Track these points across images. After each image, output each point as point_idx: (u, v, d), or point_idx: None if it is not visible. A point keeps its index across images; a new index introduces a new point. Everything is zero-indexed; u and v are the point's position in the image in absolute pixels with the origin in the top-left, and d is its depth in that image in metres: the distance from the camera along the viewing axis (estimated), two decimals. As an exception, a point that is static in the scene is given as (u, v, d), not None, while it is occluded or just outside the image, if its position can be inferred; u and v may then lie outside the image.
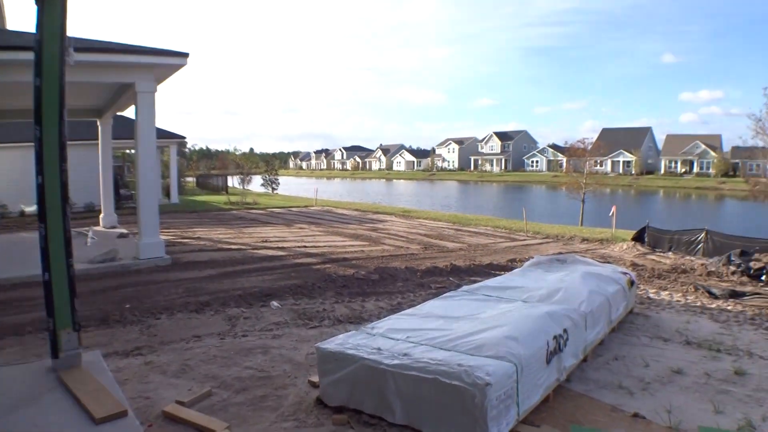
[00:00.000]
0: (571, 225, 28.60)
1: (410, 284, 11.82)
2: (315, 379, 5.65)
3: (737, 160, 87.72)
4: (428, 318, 5.94)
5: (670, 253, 19.09)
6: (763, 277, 13.50)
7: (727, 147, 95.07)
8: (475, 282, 10.23)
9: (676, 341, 7.89)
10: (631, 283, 8.88)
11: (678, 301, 10.89)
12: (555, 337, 5.46)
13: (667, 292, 11.68)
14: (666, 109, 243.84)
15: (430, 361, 4.52)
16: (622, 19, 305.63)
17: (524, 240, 20.61)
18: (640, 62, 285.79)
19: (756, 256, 15.98)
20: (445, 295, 7.21)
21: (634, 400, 5.68)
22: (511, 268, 13.20)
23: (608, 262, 15.85)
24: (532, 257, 11.80)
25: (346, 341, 5.29)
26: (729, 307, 10.42)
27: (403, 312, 6.42)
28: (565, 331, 5.72)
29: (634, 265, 15.06)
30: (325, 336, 7.26)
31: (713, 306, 10.49)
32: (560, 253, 17.43)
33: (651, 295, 11.31)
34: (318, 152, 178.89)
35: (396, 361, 4.64)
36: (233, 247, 16.83)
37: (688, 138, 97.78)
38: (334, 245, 17.61)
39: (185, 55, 13.39)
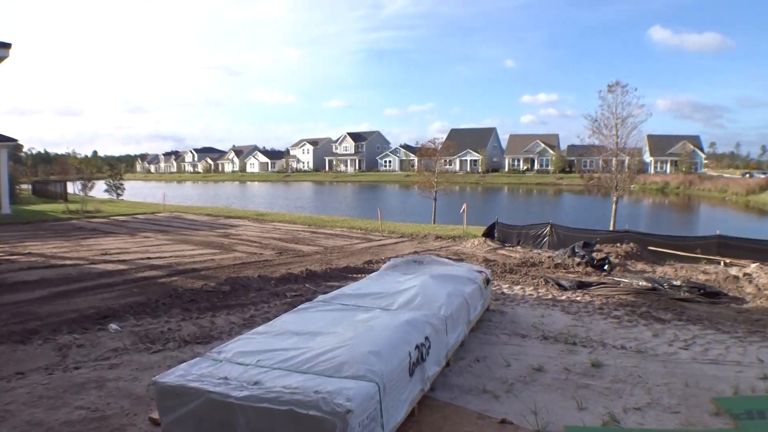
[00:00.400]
0: (424, 223, 30.16)
1: (264, 294, 11.51)
2: (156, 415, 5.05)
3: (573, 158, 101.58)
4: (282, 335, 5.59)
5: (519, 247, 20.76)
6: (605, 267, 15.17)
7: (563, 145, 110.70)
8: (332, 287, 10.07)
9: (534, 337, 8.44)
10: (487, 281, 9.34)
11: (531, 294, 11.77)
12: (417, 347, 5.43)
13: (519, 287, 12.57)
14: (508, 110, 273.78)
15: (284, 390, 4.17)
16: (469, 25, 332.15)
17: (380, 240, 21.35)
18: (484, 66, 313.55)
19: (597, 246, 17.96)
20: (300, 307, 6.90)
21: (500, 404, 5.87)
22: (369, 271, 13.41)
23: (462, 259, 16.77)
24: (389, 259, 12.08)
25: (188, 372, 4.72)
26: (578, 298, 11.50)
27: (254, 330, 5.97)
28: (426, 339, 5.73)
29: (486, 261, 16.05)
30: (169, 361, 6.73)
31: (563, 298, 11.50)
32: (416, 253, 18.14)
33: (505, 291, 12.08)
34: (167, 154, 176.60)
35: (245, 392, 4.22)
36: (68, 262, 15.48)
37: (529, 138, 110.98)
38: (181, 255, 16.90)
39: (7, 45, 12.29)
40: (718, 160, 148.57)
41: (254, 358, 4.96)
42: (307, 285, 12.42)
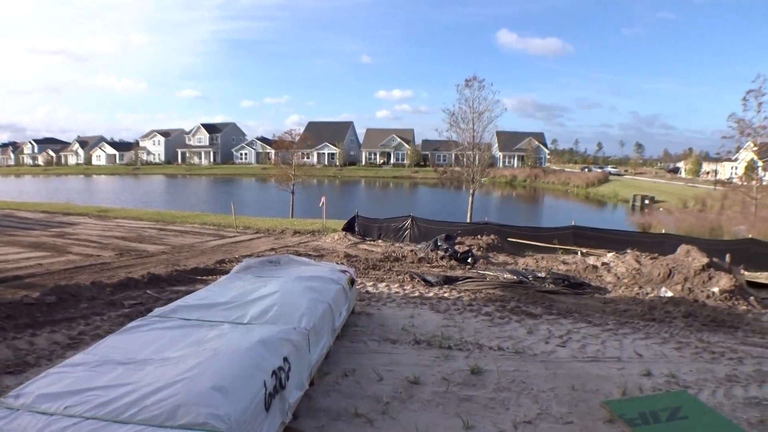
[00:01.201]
0: (282, 217, 28.88)
1: (98, 304, 9.60)
2: None
3: (427, 152, 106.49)
4: (103, 366, 4.23)
5: (381, 240, 20.25)
6: (469, 260, 15.01)
7: (418, 140, 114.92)
8: (178, 294, 8.83)
9: (405, 341, 7.69)
10: (352, 281, 8.45)
11: (397, 292, 11.10)
12: (274, 373, 4.37)
13: (384, 284, 11.87)
14: (364, 105, 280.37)
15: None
16: (328, 18, 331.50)
17: (234, 236, 19.84)
18: (341, 61, 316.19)
19: (459, 239, 17.91)
20: (129, 326, 5.44)
21: (376, 431, 5.00)
22: (221, 272, 11.99)
23: (322, 255, 15.83)
24: (243, 258, 10.81)
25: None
26: (446, 294, 11.03)
27: (68, 361, 4.49)
28: (285, 360, 4.69)
29: (348, 257, 15.24)
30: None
31: (431, 295, 10.97)
32: (273, 251, 16.89)
33: (370, 289, 11.31)
34: (4, 146, 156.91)
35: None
36: None
37: (386, 132, 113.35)
38: (5, 260, 14.23)
39: None
40: (560, 156, 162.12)
41: (62, 403, 3.67)
42: (148, 291, 10.76)
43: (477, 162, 29.73)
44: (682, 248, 14.16)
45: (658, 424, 5.46)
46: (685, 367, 7.10)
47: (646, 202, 56.17)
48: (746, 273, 14.32)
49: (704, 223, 27.63)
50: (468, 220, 26.80)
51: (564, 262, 15.40)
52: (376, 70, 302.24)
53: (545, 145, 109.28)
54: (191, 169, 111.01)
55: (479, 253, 16.23)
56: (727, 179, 79.25)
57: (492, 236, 18.48)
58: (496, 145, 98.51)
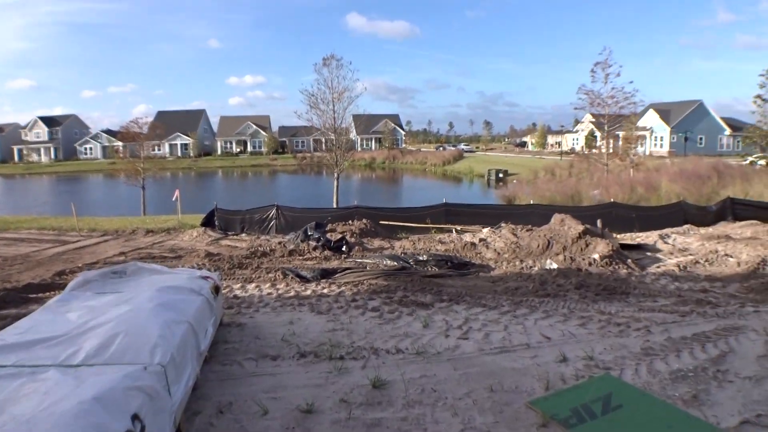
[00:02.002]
0: (133, 216, 26.08)
1: None
2: None
3: (285, 138, 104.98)
4: None
5: (244, 234, 18.66)
6: (344, 248, 14.00)
7: (275, 127, 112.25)
8: (5, 319, 7.17)
9: (289, 356, 6.47)
10: (217, 289, 7.06)
11: (270, 294, 9.80)
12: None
13: (254, 285, 10.50)
14: (215, 92, 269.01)
15: None
16: (174, 1, 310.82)
17: (78, 241, 17.15)
18: (189, 46, 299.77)
19: (330, 226, 16.84)
20: None
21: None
22: (60, 286, 9.85)
23: (180, 256, 14.03)
24: (86, 267, 8.85)
25: None
26: (325, 291, 9.91)
27: None
28: (136, 419, 3.35)
29: (209, 256, 13.60)
30: None
31: (309, 292, 9.80)
32: (123, 255, 14.73)
33: (238, 293, 9.90)
34: None
35: None
36: None
37: (241, 119, 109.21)
38: None
39: None
40: (415, 137, 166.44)
41: None
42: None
43: (340, 145, 28.85)
44: (556, 217, 14.13)
45: (594, 420, 4.78)
46: (598, 346, 6.58)
47: (500, 175, 58.83)
48: (616, 236, 14.64)
49: (565, 190, 28.90)
50: (335, 206, 25.86)
51: (441, 242, 14.88)
52: (227, 55, 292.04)
53: (401, 127, 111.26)
54: (30, 167, 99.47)
55: (353, 239, 15.28)
56: (570, 149, 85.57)
57: (364, 221, 17.61)
58: (354, 128, 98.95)
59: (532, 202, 18.77)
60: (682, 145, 68.04)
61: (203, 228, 18.68)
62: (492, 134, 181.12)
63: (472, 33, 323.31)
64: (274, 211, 19.51)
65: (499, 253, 13.08)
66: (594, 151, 72.62)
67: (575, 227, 13.17)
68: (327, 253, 13.64)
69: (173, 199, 22.15)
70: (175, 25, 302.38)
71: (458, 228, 16.68)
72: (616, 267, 11.60)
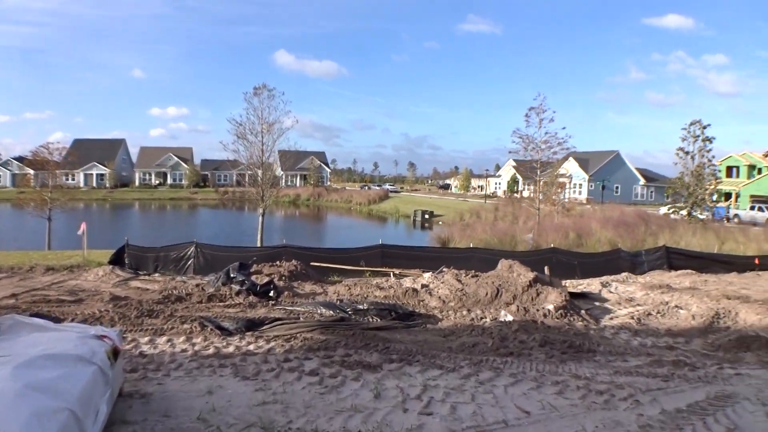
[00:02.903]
0: (35, 250, 23.31)
1: None
2: None
3: (207, 172, 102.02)
4: None
5: (158, 274, 16.72)
6: (272, 293, 12.51)
7: (197, 160, 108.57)
8: None
9: (206, 442, 5.01)
10: (115, 352, 5.49)
11: (184, 351, 8.19)
12: None
13: (166, 338, 8.85)
14: (137, 122, 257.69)
15: None
16: (100, 29, 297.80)
17: None
18: (112, 75, 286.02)
19: (255, 267, 15.28)
20: None
21: None
22: None
23: (81, 300, 12.12)
24: None
25: None
26: (251, 347, 8.39)
27: None
28: None
29: (115, 300, 11.77)
30: None
31: (232, 349, 8.26)
32: (14, 297, 12.61)
33: (145, 349, 8.23)
34: None
35: None
36: None
37: (162, 150, 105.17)
38: None
39: None
40: (340, 175, 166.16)
41: None
42: None
43: (264, 180, 27.31)
44: (504, 263, 13.23)
45: None
46: (588, 423, 5.47)
47: (427, 216, 58.71)
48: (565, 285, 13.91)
49: (499, 233, 28.44)
50: (260, 244, 24.20)
51: (379, 287, 13.65)
52: (150, 85, 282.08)
53: (327, 165, 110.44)
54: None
55: (282, 283, 13.81)
56: (492, 193, 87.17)
57: (293, 261, 16.09)
58: (280, 163, 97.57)
59: (472, 246, 17.95)
60: (599, 192, 70.46)
61: (111, 266, 16.60)
62: (416, 175, 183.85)
63: (397, 76, 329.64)
64: (192, 249, 17.74)
65: (444, 302, 11.97)
66: (516, 195, 74.40)
67: (525, 274, 12.28)
68: (252, 298, 12.10)
69: (79, 232, 19.86)
70: (101, 53, 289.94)
71: (396, 272, 15.53)
72: (572, 319, 10.72)
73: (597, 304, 13.05)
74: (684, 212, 36.46)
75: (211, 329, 9.26)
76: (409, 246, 18.32)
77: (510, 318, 10.14)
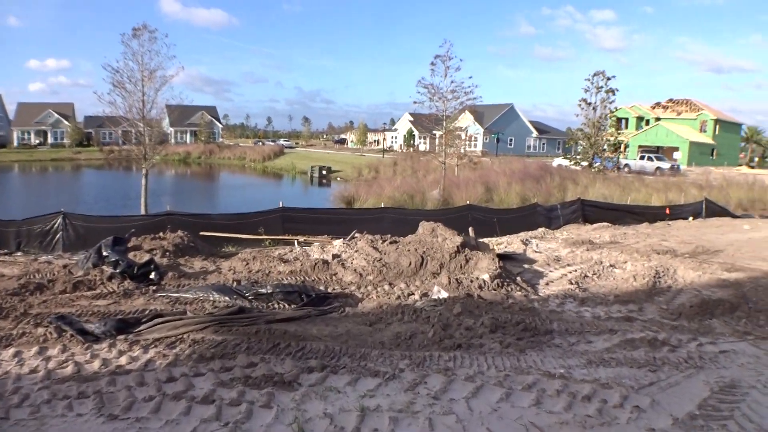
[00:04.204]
0: None
1: None
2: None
3: (91, 130, 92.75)
4: None
5: (20, 253, 13.86)
6: (153, 276, 10.29)
7: (80, 117, 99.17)
8: None
9: None
10: None
11: (34, 371, 5.90)
12: None
13: (12, 351, 6.48)
14: (14, 76, 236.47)
15: None
16: None
17: None
18: None
19: (134, 241, 12.86)
20: None
21: None
22: None
23: None
24: None
25: None
26: (123, 360, 6.24)
27: None
28: None
29: (-62, 299, 9.13)
30: None
31: (97, 365, 6.10)
32: None
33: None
34: None
35: None
36: None
37: (41, 107, 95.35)
38: None
39: None
40: (232, 131, 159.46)
41: None
42: None
43: (150, 137, 24.19)
44: (425, 226, 11.70)
45: None
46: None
47: (324, 172, 56.89)
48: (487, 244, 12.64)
49: (407, 189, 26.89)
50: (143, 212, 21.39)
51: (283, 260, 11.74)
52: (27, 35, 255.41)
53: (218, 120, 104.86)
54: None
55: (165, 260, 11.53)
56: (389, 147, 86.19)
57: (179, 232, 13.62)
58: (167, 119, 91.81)
59: (383, 206, 16.32)
60: (494, 145, 71.07)
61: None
62: (311, 130, 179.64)
63: (290, 27, 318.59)
64: (59, 220, 14.96)
65: (361, 275, 10.27)
66: (412, 149, 73.70)
67: (451, 239, 10.82)
68: (128, 284, 9.84)
69: None
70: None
71: (301, 239, 13.65)
72: (509, 289, 9.40)
73: (526, 266, 11.89)
74: (585, 163, 36.84)
75: (72, 335, 7.06)
76: (312, 208, 16.41)
77: (444, 294, 8.62)
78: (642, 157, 48.47)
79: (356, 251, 11.26)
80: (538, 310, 8.14)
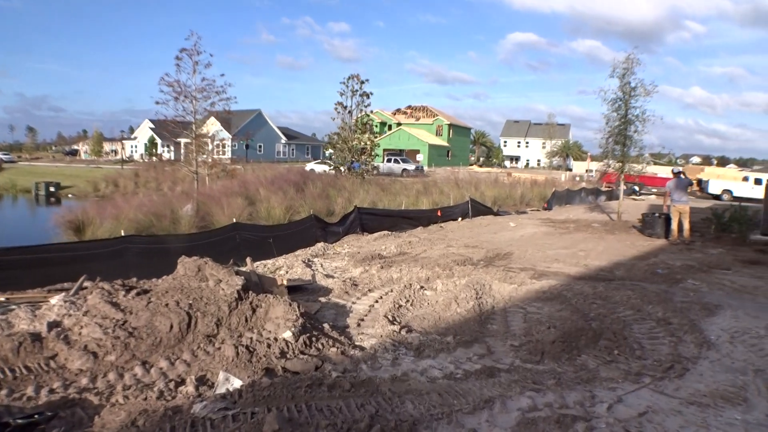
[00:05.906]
0: None
1: None
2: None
3: None
4: None
5: None
6: None
7: None
8: None
9: None
10: None
11: None
12: None
13: None
14: None
15: None
16: None
17: None
18: None
19: None
20: None
21: None
22: None
23: None
24: None
25: None
26: None
27: None
28: None
29: None
30: None
31: None
32: None
33: None
34: None
35: None
36: None
37: None
38: None
39: None
40: None
41: None
42: None
43: None
44: (188, 264, 8.37)
45: None
46: None
47: (52, 189, 48.62)
48: (278, 277, 9.72)
49: (157, 208, 22.01)
50: None
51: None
52: None
53: None
54: None
55: None
56: (129, 157, 77.59)
57: None
58: None
59: (123, 234, 12.20)
60: (243, 152, 67.91)
61: None
62: (37, 142, 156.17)
63: (8, 26, 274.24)
64: None
65: (96, 355, 6.59)
66: (154, 159, 67.03)
67: (227, 280, 7.73)
68: None
69: None
70: None
71: (2, 298, 9.22)
72: (320, 347, 6.69)
73: (323, 299, 9.30)
74: (344, 168, 35.78)
75: None
76: (25, 246, 11.64)
77: (236, 383, 5.51)
78: (389, 160, 50.33)
79: (86, 313, 7.47)
80: (375, 381, 5.56)
